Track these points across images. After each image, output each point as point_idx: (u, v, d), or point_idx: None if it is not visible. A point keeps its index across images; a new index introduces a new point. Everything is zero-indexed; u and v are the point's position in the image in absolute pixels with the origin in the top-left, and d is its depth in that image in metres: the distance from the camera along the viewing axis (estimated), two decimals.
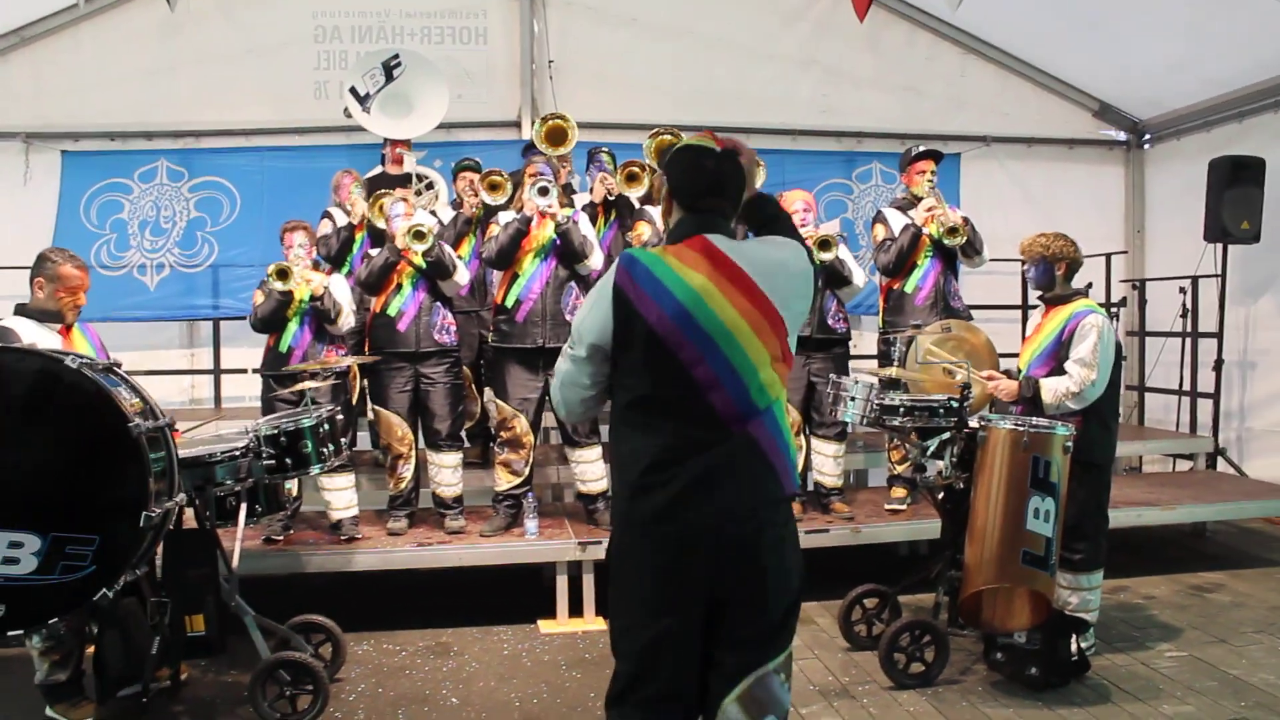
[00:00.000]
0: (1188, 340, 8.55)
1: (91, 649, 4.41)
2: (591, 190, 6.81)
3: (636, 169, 6.48)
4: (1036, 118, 9.48)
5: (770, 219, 3.01)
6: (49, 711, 4.47)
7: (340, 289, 6.03)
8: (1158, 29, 7.87)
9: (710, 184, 2.83)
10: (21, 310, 4.59)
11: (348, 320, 6.03)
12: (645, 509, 2.71)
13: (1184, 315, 8.52)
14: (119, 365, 4.13)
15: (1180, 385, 8.64)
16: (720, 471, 2.68)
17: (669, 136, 6.53)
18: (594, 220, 6.52)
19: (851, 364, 6.65)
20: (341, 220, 6.78)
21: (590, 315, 2.79)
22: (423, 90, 7.40)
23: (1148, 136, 9.62)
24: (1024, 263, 5.22)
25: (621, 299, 2.71)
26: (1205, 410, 8.34)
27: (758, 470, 2.72)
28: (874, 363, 6.97)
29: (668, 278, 2.70)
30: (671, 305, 2.67)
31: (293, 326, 5.98)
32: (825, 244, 6.09)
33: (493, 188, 6.41)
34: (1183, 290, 8.52)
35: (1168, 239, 9.34)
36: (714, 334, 2.67)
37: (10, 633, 3.85)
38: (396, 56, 7.36)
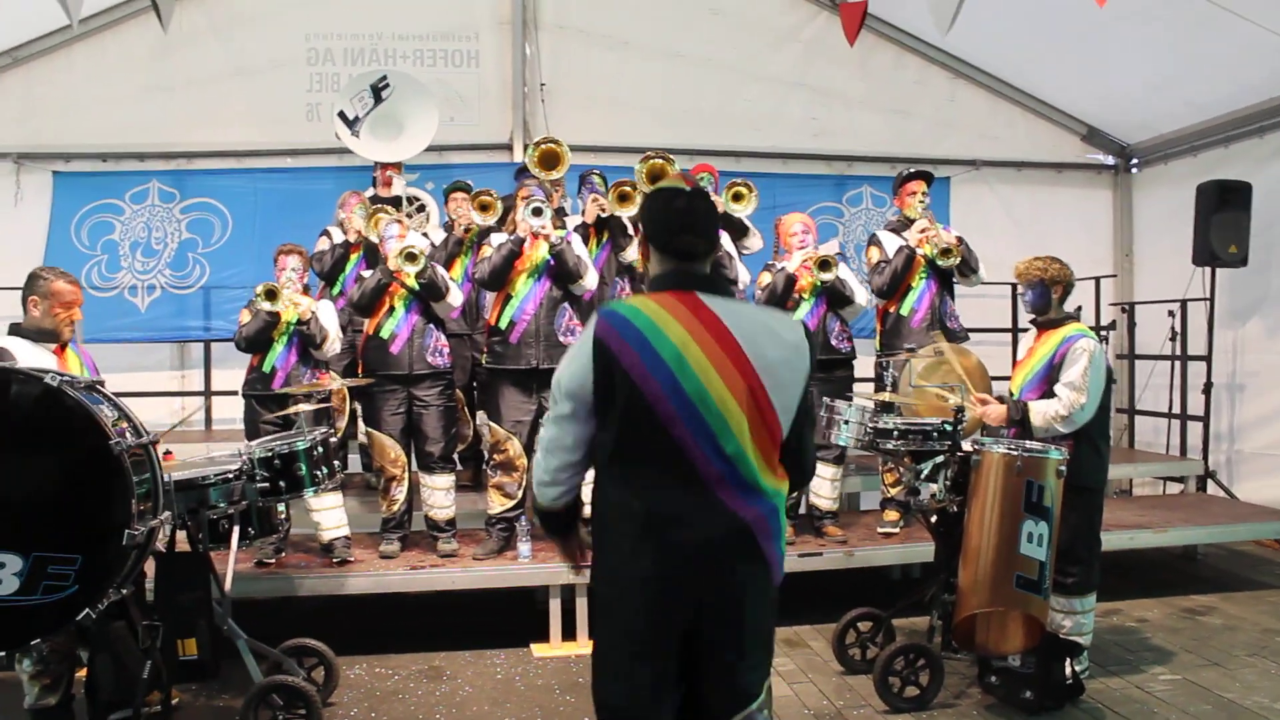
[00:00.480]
0: (1177, 363, 8.59)
1: (83, 673, 4.38)
2: (584, 211, 6.82)
3: (628, 188, 6.50)
4: (1025, 142, 9.55)
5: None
6: None
7: (328, 316, 6.02)
8: (1143, 53, 7.93)
9: (682, 223, 2.83)
10: (16, 330, 4.58)
11: (333, 347, 6.01)
12: (630, 573, 2.72)
13: (1173, 338, 8.56)
14: (102, 383, 4.11)
15: (1170, 408, 8.68)
16: (709, 552, 2.68)
17: (660, 160, 6.55)
18: (586, 241, 6.52)
19: (855, 386, 6.65)
20: (339, 238, 6.78)
21: (569, 368, 2.78)
22: (412, 111, 7.41)
23: (1135, 160, 9.69)
24: (1020, 287, 5.23)
25: (601, 349, 2.69)
26: (1195, 433, 8.37)
27: (748, 562, 2.73)
28: (871, 386, 6.99)
29: (649, 330, 2.68)
30: (652, 359, 2.66)
31: (278, 348, 5.95)
32: (825, 264, 6.12)
33: (483, 208, 6.43)
34: (1171, 313, 8.56)
35: (1156, 262, 9.40)
36: (692, 393, 2.65)
37: None
38: (384, 78, 7.37)
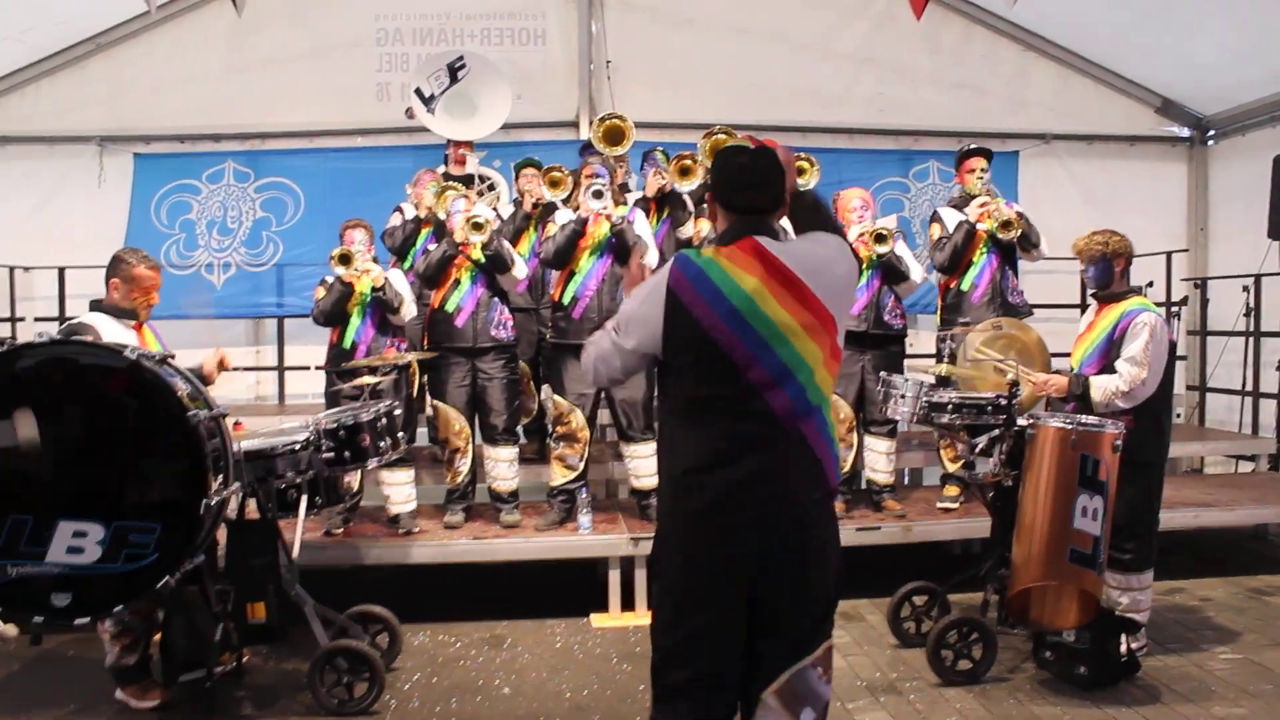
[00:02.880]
0: (1250, 340, 8.43)
1: (158, 635, 4.58)
2: (645, 187, 6.87)
3: (689, 162, 6.53)
4: (1097, 115, 9.37)
5: (807, 212, 3.08)
6: (119, 694, 4.66)
7: (399, 280, 6.14)
8: (1222, 22, 7.75)
9: (746, 179, 2.89)
10: (97, 306, 4.77)
11: (409, 310, 6.13)
12: (693, 504, 2.77)
13: (1247, 314, 8.39)
14: (173, 357, 4.26)
15: (1243, 386, 8.51)
16: (771, 468, 2.74)
17: (724, 136, 6.56)
18: (646, 215, 6.58)
19: (906, 362, 6.65)
20: (411, 214, 6.91)
21: (641, 309, 2.84)
22: (486, 92, 7.51)
23: (1211, 132, 9.46)
24: (1082, 263, 5.17)
25: (674, 301, 2.76)
26: (1268, 411, 8.21)
27: (806, 466, 2.78)
28: (932, 361, 6.97)
29: (721, 280, 2.75)
30: (724, 308, 2.73)
31: (355, 321, 6.08)
32: (881, 238, 6.11)
33: (554, 184, 6.51)
34: (1246, 289, 8.39)
35: (1231, 237, 9.19)
36: (768, 336, 2.72)
37: (77, 620, 3.99)
38: (461, 58, 7.46)
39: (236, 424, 4.43)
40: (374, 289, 5.99)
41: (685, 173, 6.55)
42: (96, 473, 3.88)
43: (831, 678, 2.90)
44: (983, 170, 6.60)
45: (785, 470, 2.76)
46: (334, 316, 6.08)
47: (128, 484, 3.91)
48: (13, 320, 8.30)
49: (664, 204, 6.77)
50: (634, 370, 2.94)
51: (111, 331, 4.58)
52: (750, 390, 2.73)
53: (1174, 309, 8.84)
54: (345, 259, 5.92)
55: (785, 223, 6.09)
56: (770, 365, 2.72)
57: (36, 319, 8.33)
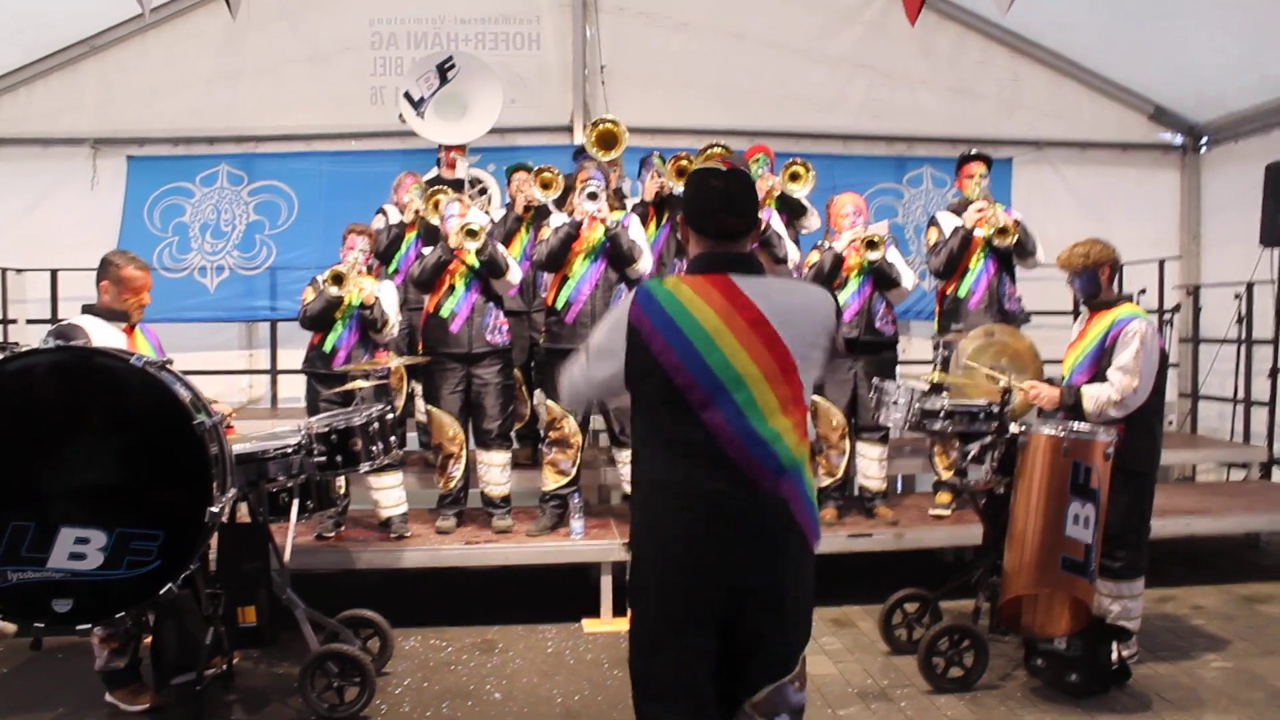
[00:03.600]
0: (1242, 347, 8.45)
1: (148, 639, 4.57)
2: (643, 190, 6.87)
3: (686, 163, 6.53)
4: (1090, 121, 9.39)
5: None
6: (108, 697, 4.66)
7: (389, 299, 6.11)
8: (1216, 29, 7.76)
9: (719, 202, 2.84)
10: (89, 310, 4.76)
11: (391, 332, 6.13)
12: (663, 554, 2.78)
13: (1239, 321, 8.42)
14: (170, 363, 4.25)
15: (1235, 393, 8.54)
16: (747, 533, 2.73)
17: (721, 150, 6.57)
18: (645, 222, 6.58)
19: (899, 368, 6.66)
20: (395, 218, 6.91)
21: (605, 341, 2.84)
22: (477, 92, 7.49)
23: (1204, 140, 9.49)
24: (1068, 277, 5.18)
25: (634, 335, 2.74)
26: (1260, 419, 8.23)
27: (784, 529, 2.76)
28: (928, 368, 6.98)
29: (680, 315, 2.71)
30: (682, 345, 2.69)
31: (339, 328, 6.08)
32: (872, 244, 6.13)
33: (545, 185, 6.51)
34: (1238, 296, 8.42)
35: (1223, 244, 9.21)
36: (725, 379, 2.68)
37: (79, 626, 4.00)
38: (450, 59, 7.45)
39: (228, 427, 4.42)
40: (362, 305, 5.98)
41: (682, 174, 6.53)
42: (99, 479, 3.87)
43: (806, 684, 2.91)
44: (981, 176, 6.62)
45: (763, 536, 2.73)
46: (319, 322, 6.07)
47: (131, 491, 3.90)
48: (4, 322, 8.28)
49: (663, 208, 6.78)
50: (602, 395, 2.96)
51: (102, 334, 4.57)
52: (709, 435, 2.69)
53: (1166, 316, 8.84)
54: (338, 279, 5.90)
55: (777, 223, 6.11)
56: (725, 407, 2.68)
57: (29, 321, 8.30)
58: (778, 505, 2.73)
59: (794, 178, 6.59)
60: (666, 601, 2.79)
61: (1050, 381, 5.21)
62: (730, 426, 2.68)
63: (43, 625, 3.93)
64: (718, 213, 2.85)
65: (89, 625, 4.05)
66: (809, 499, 2.79)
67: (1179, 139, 9.56)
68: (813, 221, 6.84)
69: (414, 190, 6.81)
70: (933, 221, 6.82)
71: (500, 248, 6.20)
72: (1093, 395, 4.88)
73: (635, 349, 2.74)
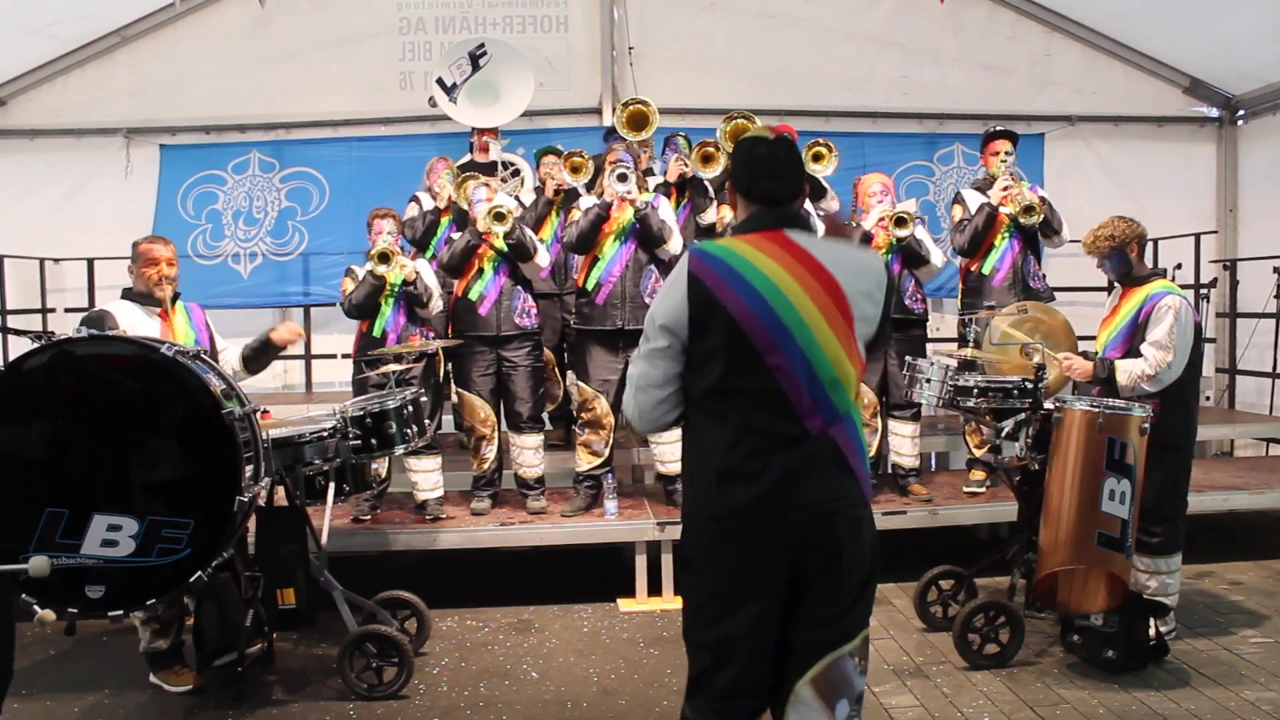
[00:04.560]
0: None
1: (190, 621, 4.64)
2: (667, 171, 6.87)
3: (711, 149, 6.53)
4: (1124, 96, 9.27)
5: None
6: (152, 678, 4.75)
7: (428, 274, 6.18)
8: (1252, 0, 7.64)
9: (764, 169, 2.86)
10: (126, 295, 4.83)
11: (437, 304, 6.18)
12: (724, 502, 2.73)
13: (1277, 296, 8.30)
14: (206, 351, 4.30)
15: (1274, 368, 8.43)
16: (801, 473, 2.69)
17: (743, 121, 6.55)
18: (666, 200, 6.58)
19: (928, 346, 6.64)
20: (428, 204, 6.93)
21: (664, 302, 2.79)
22: (508, 78, 7.50)
23: (1241, 112, 9.34)
24: (1097, 260, 5.14)
25: (696, 284, 2.72)
26: None
27: (838, 474, 2.73)
28: (954, 345, 6.94)
29: (741, 265, 2.72)
30: (747, 291, 2.69)
31: (386, 310, 6.11)
32: (901, 221, 6.10)
33: (575, 169, 6.52)
34: (1276, 270, 8.30)
35: (1261, 218, 9.08)
36: (789, 322, 2.68)
37: (111, 613, 4.07)
38: (482, 46, 7.46)
39: (264, 412, 4.46)
40: (405, 282, 6.02)
41: (708, 160, 6.54)
42: (131, 467, 3.91)
43: (867, 668, 2.85)
44: (1007, 153, 6.56)
45: (816, 476, 2.71)
46: (365, 309, 6.10)
47: (162, 479, 3.94)
48: (43, 311, 8.38)
49: (685, 189, 6.77)
50: (673, 375, 2.81)
51: (132, 319, 4.65)
52: (772, 379, 2.68)
53: (1203, 291, 8.76)
54: (385, 258, 5.93)
55: (810, 207, 6.08)
56: (790, 352, 2.68)
57: (66, 310, 8.41)
58: (832, 450, 2.72)
59: (817, 158, 6.55)
60: (723, 558, 2.75)
61: (1084, 355, 5.17)
62: (795, 370, 2.68)
63: (76, 611, 3.99)
64: (764, 178, 2.86)
65: (121, 612, 4.10)
66: (861, 447, 2.79)
67: (1215, 112, 9.42)
68: (832, 204, 6.80)
69: (445, 175, 6.83)
70: (958, 199, 6.77)
71: (528, 231, 6.22)
72: (1126, 369, 4.84)
73: (698, 299, 2.72)
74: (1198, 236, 8.85)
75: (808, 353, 2.69)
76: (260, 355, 5.03)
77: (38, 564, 2.86)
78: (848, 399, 2.75)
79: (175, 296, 4.92)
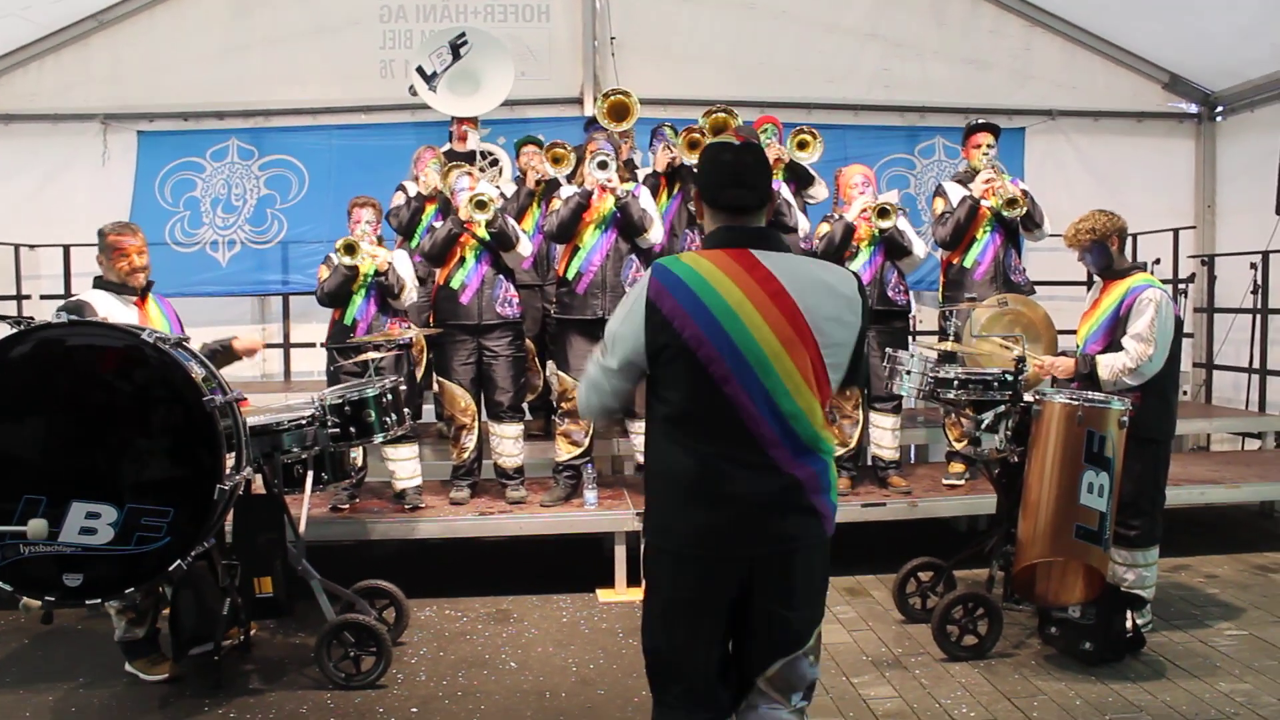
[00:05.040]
0: (1258, 317, 8.41)
1: (167, 609, 4.61)
2: (654, 161, 6.86)
3: (698, 136, 6.51)
4: (1104, 91, 9.32)
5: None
6: (128, 667, 4.71)
7: (403, 265, 6.15)
8: None
9: (730, 176, 2.80)
10: (99, 283, 4.77)
11: (410, 296, 6.15)
12: (682, 530, 2.75)
13: (1254, 291, 8.37)
14: (187, 340, 4.26)
15: (1250, 363, 8.50)
16: (763, 511, 2.70)
17: (723, 114, 6.54)
18: (656, 192, 6.57)
19: (910, 338, 6.65)
20: (414, 192, 6.90)
21: (623, 327, 2.76)
22: (489, 68, 7.48)
23: (1220, 109, 9.39)
24: (1077, 253, 5.16)
25: (653, 311, 2.67)
26: (1275, 388, 8.22)
27: (798, 512, 2.73)
28: (934, 338, 6.96)
29: (701, 288, 2.66)
30: (705, 320, 2.64)
31: (358, 300, 6.09)
32: (884, 212, 6.11)
33: (555, 160, 6.50)
34: (1253, 266, 8.37)
35: (1239, 214, 9.14)
36: (747, 354, 2.64)
37: (88, 601, 4.02)
38: (463, 35, 7.44)
39: (242, 400, 4.43)
40: (376, 273, 5.99)
41: (694, 146, 6.50)
42: (111, 454, 3.88)
43: (820, 658, 2.90)
44: (989, 146, 6.57)
45: (775, 512, 2.71)
46: (337, 297, 6.08)
47: (142, 466, 3.92)
48: (18, 298, 8.31)
49: (674, 179, 6.76)
50: (625, 392, 2.82)
51: (110, 308, 4.60)
52: (731, 410, 2.66)
53: (1181, 286, 8.82)
54: (350, 249, 5.91)
55: (786, 193, 6.07)
56: (747, 383, 2.64)
57: (42, 296, 8.34)
58: (793, 487, 2.70)
59: (801, 146, 6.57)
60: (679, 578, 2.78)
61: (1064, 353, 5.19)
62: (753, 401, 2.65)
63: (53, 599, 3.96)
64: (730, 187, 2.80)
65: (99, 600, 4.07)
66: (827, 482, 2.76)
67: (1194, 108, 9.48)
68: (820, 191, 6.82)
69: (432, 165, 6.79)
70: (939, 191, 6.79)
71: (510, 220, 6.20)
72: (1108, 364, 4.87)
73: (656, 327, 2.67)
74: (1176, 232, 8.91)
75: (765, 384, 2.65)
76: (218, 358, 4.95)
77: (36, 527, 2.84)
78: (812, 430, 2.71)
79: (148, 286, 4.86)
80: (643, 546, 2.94)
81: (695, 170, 2.94)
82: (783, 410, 2.66)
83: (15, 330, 3.91)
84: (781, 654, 2.80)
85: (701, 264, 2.71)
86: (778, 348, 2.65)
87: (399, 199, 6.90)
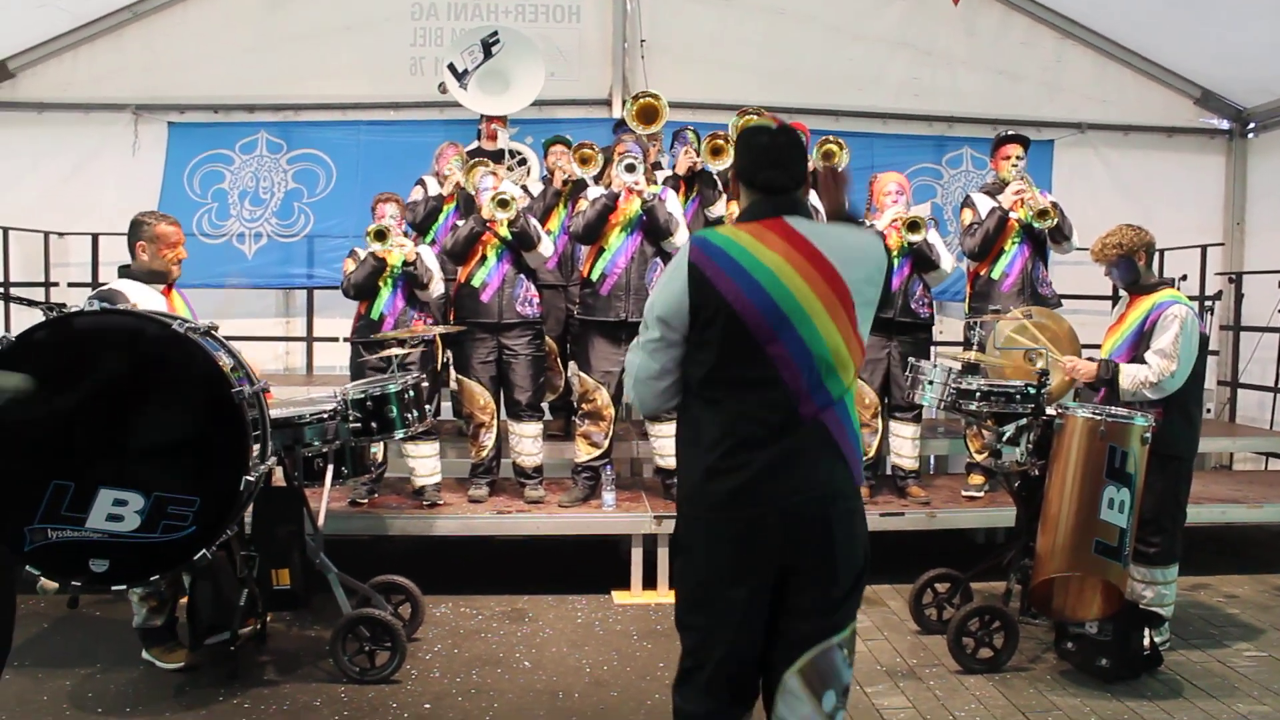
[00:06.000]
0: None
1: (185, 598, 4.64)
2: (675, 164, 6.86)
3: (721, 142, 6.52)
4: (1135, 105, 9.24)
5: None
6: (145, 654, 4.74)
7: (430, 257, 6.18)
8: (1266, 12, 7.58)
9: (767, 158, 2.86)
10: (126, 273, 4.80)
11: (438, 286, 6.18)
12: (716, 490, 2.75)
13: None
14: (215, 328, 4.29)
15: (1275, 382, 8.42)
16: (792, 458, 2.72)
17: (756, 117, 6.53)
18: (675, 193, 6.57)
19: (933, 349, 6.63)
20: (434, 189, 6.93)
21: (663, 293, 2.81)
22: (520, 67, 7.48)
23: (1252, 125, 9.31)
24: (1104, 268, 5.14)
25: (696, 275, 2.73)
26: None
27: (829, 459, 2.76)
28: (959, 349, 6.93)
29: (742, 256, 2.73)
30: (747, 281, 2.70)
31: (385, 293, 6.12)
32: (914, 225, 6.09)
33: (584, 161, 6.52)
34: None
35: (1268, 231, 9.04)
36: (789, 311, 2.70)
37: (114, 587, 4.08)
38: (495, 34, 7.44)
39: (267, 392, 4.45)
40: (405, 264, 6.01)
41: (717, 152, 6.53)
42: (138, 443, 3.92)
43: (854, 661, 2.87)
44: (1018, 158, 6.55)
45: (805, 461, 2.73)
46: (364, 290, 6.10)
47: (169, 455, 3.95)
48: (46, 285, 8.36)
49: (693, 182, 6.77)
50: (672, 364, 2.83)
51: (142, 297, 4.62)
52: (770, 368, 2.71)
53: (1208, 303, 8.75)
54: (381, 235, 5.94)
55: (815, 200, 6.09)
56: (789, 341, 2.70)
57: (70, 284, 8.39)
58: (823, 434, 2.75)
59: (828, 156, 6.58)
60: (714, 544, 2.78)
61: (1089, 360, 5.16)
62: (794, 359, 2.71)
63: (80, 584, 4.01)
64: (767, 168, 2.87)
65: (124, 586, 4.10)
66: (854, 431, 2.81)
67: (1226, 124, 9.39)
68: None
69: (454, 162, 6.82)
70: (967, 202, 6.77)
71: (533, 220, 6.22)
72: (1130, 374, 4.84)
73: (698, 285, 2.73)
74: (1204, 248, 8.83)
75: (808, 342, 2.71)
76: None
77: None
78: (843, 384, 2.77)
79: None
80: (676, 518, 2.93)
81: (735, 153, 2.98)
82: (821, 367, 2.73)
83: (47, 317, 3.94)
84: (817, 638, 2.77)
85: (739, 234, 2.79)
86: (818, 307, 2.72)
87: (417, 194, 6.93)
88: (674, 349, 2.82)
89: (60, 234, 8.49)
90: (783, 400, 2.72)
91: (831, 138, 6.63)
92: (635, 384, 2.91)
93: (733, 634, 2.78)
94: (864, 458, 6.31)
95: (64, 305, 4.04)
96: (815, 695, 2.78)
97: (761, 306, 2.70)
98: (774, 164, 2.86)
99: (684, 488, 2.91)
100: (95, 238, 8.31)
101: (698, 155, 6.64)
